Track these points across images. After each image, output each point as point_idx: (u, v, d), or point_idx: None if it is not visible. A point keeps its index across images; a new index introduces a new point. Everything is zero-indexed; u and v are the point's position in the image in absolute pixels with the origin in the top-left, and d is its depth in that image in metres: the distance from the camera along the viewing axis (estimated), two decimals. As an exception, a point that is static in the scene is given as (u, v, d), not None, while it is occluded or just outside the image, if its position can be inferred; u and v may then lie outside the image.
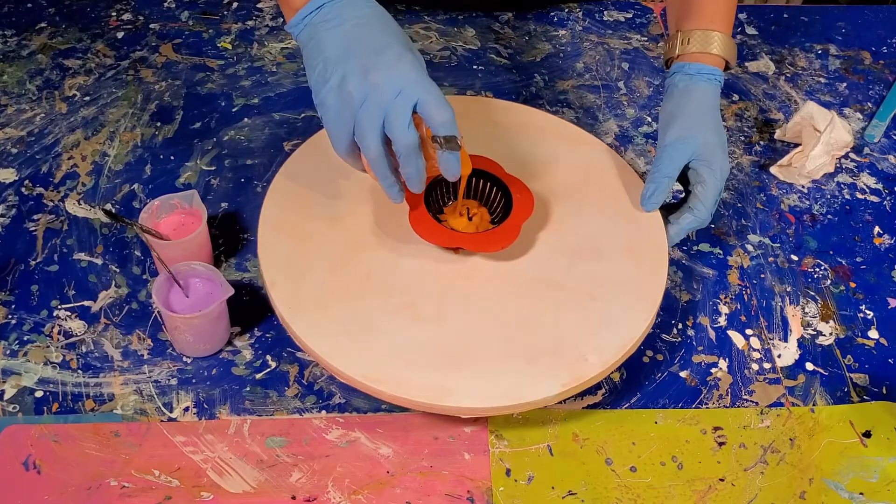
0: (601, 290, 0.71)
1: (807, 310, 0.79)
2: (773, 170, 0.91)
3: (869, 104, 1.01)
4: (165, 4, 1.07)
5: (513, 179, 0.75)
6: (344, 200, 0.76)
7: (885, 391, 0.73)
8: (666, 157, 0.74)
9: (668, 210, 0.77)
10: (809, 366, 0.75)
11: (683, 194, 0.78)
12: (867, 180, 0.92)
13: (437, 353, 0.66)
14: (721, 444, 0.69)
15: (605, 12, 1.10)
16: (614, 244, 0.75)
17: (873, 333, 0.77)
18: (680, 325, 0.77)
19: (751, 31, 1.10)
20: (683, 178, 0.77)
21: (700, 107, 0.76)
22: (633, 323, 0.69)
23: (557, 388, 0.64)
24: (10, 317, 0.73)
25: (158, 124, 0.91)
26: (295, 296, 0.68)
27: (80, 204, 0.82)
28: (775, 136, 0.95)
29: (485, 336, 0.67)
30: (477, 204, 0.76)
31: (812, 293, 0.80)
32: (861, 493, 0.66)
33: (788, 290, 0.80)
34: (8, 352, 0.71)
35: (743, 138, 0.95)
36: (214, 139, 0.90)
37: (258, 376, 0.71)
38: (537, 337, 0.68)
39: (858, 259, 0.84)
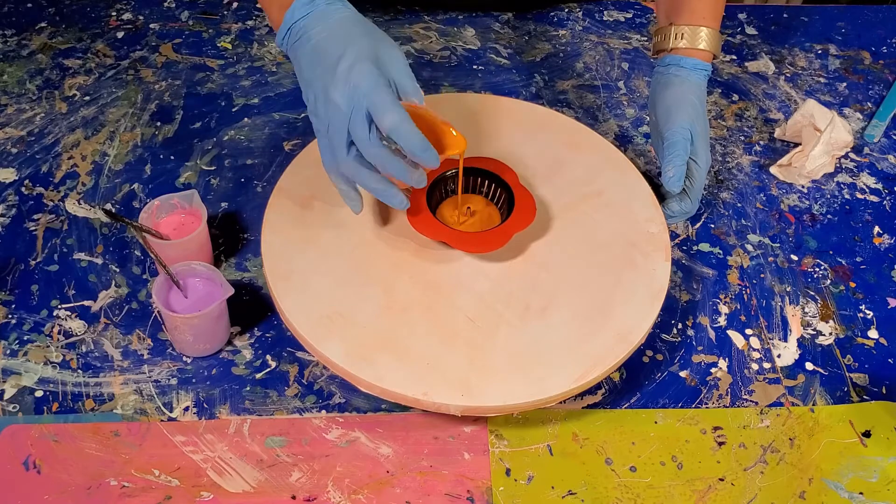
0: (601, 289, 0.71)
1: (806, 310, 0.79)
2: (773, 170, 0.91)
3: (869, 104, 1.01)
4: (165, 4, 1.07)
5: (519, 187, 0.75)
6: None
7: (884, 391, 0.73)
8: (680, 143, 0.79)
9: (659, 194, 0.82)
10: (809, 366, 0.75)
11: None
12: (867, 180, 0.92)
13: (436, 353, 0.66)
14: (721, 443, 0.69)
15: (605, 12, 1.10)
16: (614, 244, 0.75)
17: (873, 333, 0.77)
18: (680, 325, 0.77)
19: (751, 31, 1.10)
20: None
21: (696, 100, 0.81)
22: (633, 323, 0.69)
23: (557, 389, 0.64)
24: (10, 317, 0.73)
25: (158, 124, 0.91)
26: (299, 296, 0.68)
27: (80, 204, 0.82)
28: (775, 135, 0.95)
29: (487, 337, 0.68)
30: (485, 203, 0.76)
31: (812, 293, 0.80)
32: (861, 493, 0.66)
33: (788, 289, 0.80)
34: (8, 352, 0.71)
35: (743, 138, 0.95)
36: (214, 139, 0.90)
37: (258, 376, 0.71)
38: (538, 337, 0.68)
39: (858, 259, 0.84)
